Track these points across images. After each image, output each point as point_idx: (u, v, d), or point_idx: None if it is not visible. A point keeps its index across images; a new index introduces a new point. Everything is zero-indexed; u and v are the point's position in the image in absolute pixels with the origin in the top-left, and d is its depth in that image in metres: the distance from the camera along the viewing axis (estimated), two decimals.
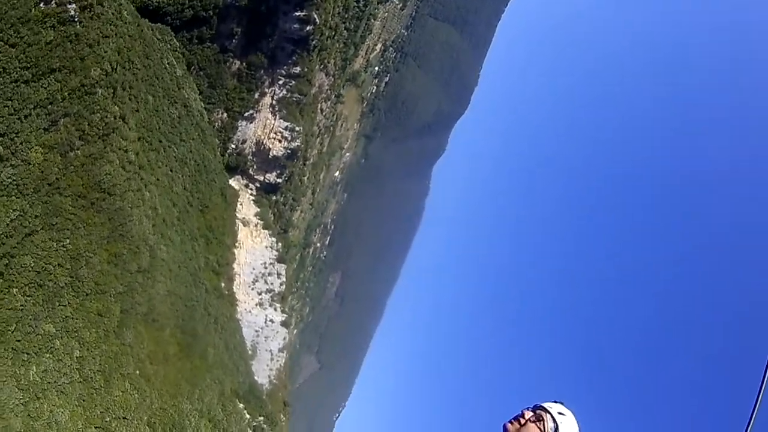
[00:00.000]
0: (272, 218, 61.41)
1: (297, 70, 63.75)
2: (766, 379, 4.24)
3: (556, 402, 3.94)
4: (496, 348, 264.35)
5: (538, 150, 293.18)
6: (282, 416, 47.90)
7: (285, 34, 62.15)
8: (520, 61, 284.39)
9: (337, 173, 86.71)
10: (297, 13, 61.67)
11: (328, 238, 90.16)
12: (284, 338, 52.24)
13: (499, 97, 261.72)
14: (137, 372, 29.35)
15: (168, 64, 50.65)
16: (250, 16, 59.06)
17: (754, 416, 4.25)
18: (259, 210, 58.39)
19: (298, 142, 62.25)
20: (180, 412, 32.33)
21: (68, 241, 28.44)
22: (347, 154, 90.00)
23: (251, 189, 60.32)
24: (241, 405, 40.89)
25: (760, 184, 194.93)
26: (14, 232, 26.91)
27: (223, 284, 45.73)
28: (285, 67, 63.14)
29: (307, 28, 62.32)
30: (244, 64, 60.48)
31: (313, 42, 64.36)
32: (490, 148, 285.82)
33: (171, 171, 41.47)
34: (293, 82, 64.13)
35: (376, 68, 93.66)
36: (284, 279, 54.02)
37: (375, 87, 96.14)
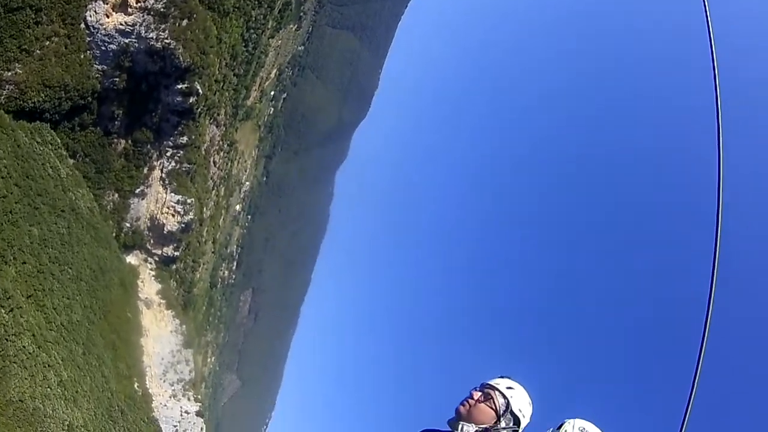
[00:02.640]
0: (174, 289, 64.55)
1: (184, 140, 65.08)
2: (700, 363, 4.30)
3: (503, 377, 3.89)
4: (411, 339, 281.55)
5: (439, 149, 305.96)
6: None
7: (169, 107, 63.14)
8: (421, 62, 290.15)
9: (238, 207, 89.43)
10: (179, 86, 62.61)
11: (235, 262, 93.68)
12: (201, 429, 56.43)
13: (400, 99, 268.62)
14: None
15: (51, 168, 51.50)
16: (130, 95, 59.44)
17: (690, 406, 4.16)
18: (160, 287, 61.26)
19: (191, 215, 64.68)
20: None
21: None
22: (247, 183, 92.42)
23: (150, 263, 62.79)
24: None
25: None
26: None
27: (136, 384, 49.19)
28: (171, 138, 64.33)
29: (191, 99, 63.57)
30: (129, 142, 61.32)
31: (198, 110, 65.84)
32: (392, 149, 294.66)
33: (68, 299, 43.99)
34: (181, 152, 65.53)
35: (272, 92, 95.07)
36: (193, 366, 57.87)
37: (272, 109, 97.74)
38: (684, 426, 4.02)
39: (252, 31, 74.95)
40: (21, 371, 33.29)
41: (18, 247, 41.54)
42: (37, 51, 49.31)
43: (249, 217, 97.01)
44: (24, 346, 35.57)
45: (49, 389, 31.73)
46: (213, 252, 79.18)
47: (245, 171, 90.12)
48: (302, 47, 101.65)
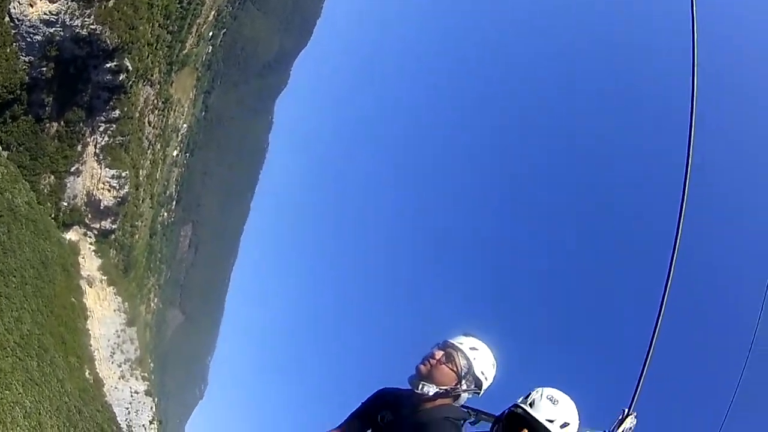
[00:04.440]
0: (114, 257, 68.12)
1: (116, 113, 64.93)
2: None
3: (467, 335, 3.60)
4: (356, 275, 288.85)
5: (381, 76, 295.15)
6: None
7: (99, 85, 62.24)
8: None
9: (175, 152, 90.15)
10: (108, 65, 61.44)
11: (174, 202, 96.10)
12: (151, 408, 62.28)
13: (342, 27, 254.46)
14: None
15: None
16: (59, 81, 58.27)
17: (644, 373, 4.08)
18: (101, 261, 64.62)
19: (126, 188, 66.64)
20: None
21: None
22: (184, 126, 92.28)
23: (90, 237, 65.48)
24: None
25: None
26: None
27: (87, 372, 54.39)
28: (103, 114, 64.04)
29: (121, 76, 62.74)
30: (62, 123, 61.01)
31: (130, 83, 65.10)
32: (333, 77, 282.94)
33: (16, 311, 47.79)
34: (114, 126, 65.65)
35: (210, 33, 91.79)
36: (138, 344, 63.04)
37: (210, 47, 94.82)
38: (637, 393, 3.88)
39: None
40: None
41: None
42: None
43: (187, 155, 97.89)
44: None
45: (18, 428, 37.12)
46: (151, 207, 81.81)
47: (182, 115, 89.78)
48: None
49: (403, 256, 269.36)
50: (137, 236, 74.34)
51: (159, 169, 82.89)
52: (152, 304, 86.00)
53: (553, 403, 2.86)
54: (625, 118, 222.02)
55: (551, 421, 2.81)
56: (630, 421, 3.79)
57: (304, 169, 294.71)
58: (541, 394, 2.93)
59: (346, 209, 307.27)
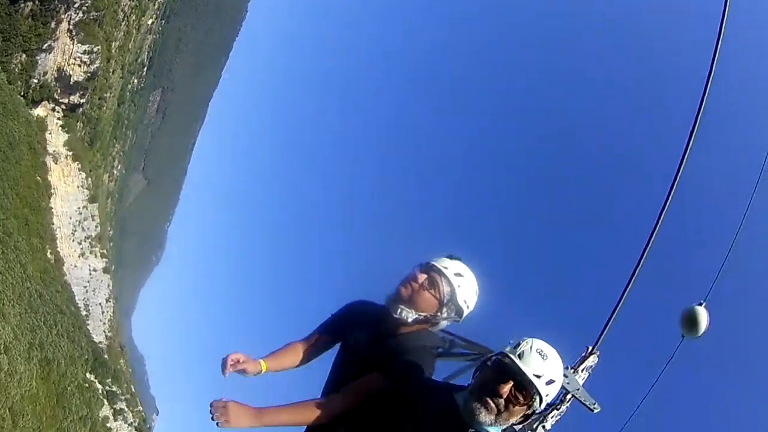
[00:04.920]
0: (80, 130, 69.32)
1: None
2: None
3: (451, 258, 3.32)
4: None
5: None
6: (122, 361, 66.00)
7: None
8: None
9: (150, 21, 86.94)
10: None
11: (145, 69, 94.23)
12: (108, 285, 66.12)
13: None
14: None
15: None
16: None
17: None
18: (67, 137, 65.82)
19: (97, 63, 66.30)
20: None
21: None
22: None
23: (58, 112, 66.09)
24: (92, 377, 51.59)
25: None
26: None
27: (48, 252, 58.17)
28: None
29: None
30: (36, 2, 59.05)
31: None
32: None
33: None
34: (89, 1, 63.67)
35: None
36: (98, 220, 65.94)
37: None
38: (604, 333, 3.82)
39: None
40: None
41: None
42: None
43: (163, 21, 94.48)
44: None
45: None
46: (121, 77, 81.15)
47: None
48: None
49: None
50: (105, 108, 75.08)
51: (132, 39, 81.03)
52: (115, 172, 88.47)
53: (543, 358, 2.65)
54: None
55: (538, 377, 2.62)
56: (592, 360, 3.75)
57: (278, 38, 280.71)
58: (531, 347, 2.68)
59: (320, 78, 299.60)
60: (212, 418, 2.81)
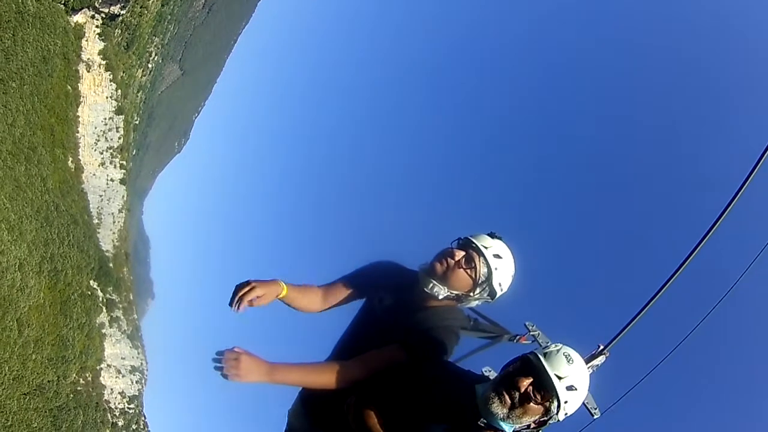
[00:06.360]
0: (117, 36, 69.87)
1: None
2: None
3: (493, 236, 3.17)
4: None
5: None
6: (125, 269, 69.64)
7: None
8: None
9: None
10: None
11: None
12: (123, 197, 66.39)
13: None
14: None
15: None
16: None
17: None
18: (104, 45, 66.52)
19: None
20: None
21: None
22: None
23: (97, 20, 66.47)
24: (95, 284, 54.39)
25: None
26: None
27: (70, 161, 61.55)
28: None
29: None
30: None
31: None
32: None
33: (11, 116, 53.54)
34: None
35: None
36: (122, 132, 67.57)
37: None
38: (619, 336, 3.77)
39: None
40: None
41: None
42: None
43: None
44: None
45: (1, 244, 47.18)
46: None
47: None
48: None
49: None
50: (146, 14, 75.07)
51: None
52: (150, 65, 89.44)
53: (568, 362, 2.57)
54: None
55: (559, 378, 2.53)
56: (600, 359, 3.74)
57: None
58: (559, 350, 2.63)
59: None
60: (219, 369, 2.61)
